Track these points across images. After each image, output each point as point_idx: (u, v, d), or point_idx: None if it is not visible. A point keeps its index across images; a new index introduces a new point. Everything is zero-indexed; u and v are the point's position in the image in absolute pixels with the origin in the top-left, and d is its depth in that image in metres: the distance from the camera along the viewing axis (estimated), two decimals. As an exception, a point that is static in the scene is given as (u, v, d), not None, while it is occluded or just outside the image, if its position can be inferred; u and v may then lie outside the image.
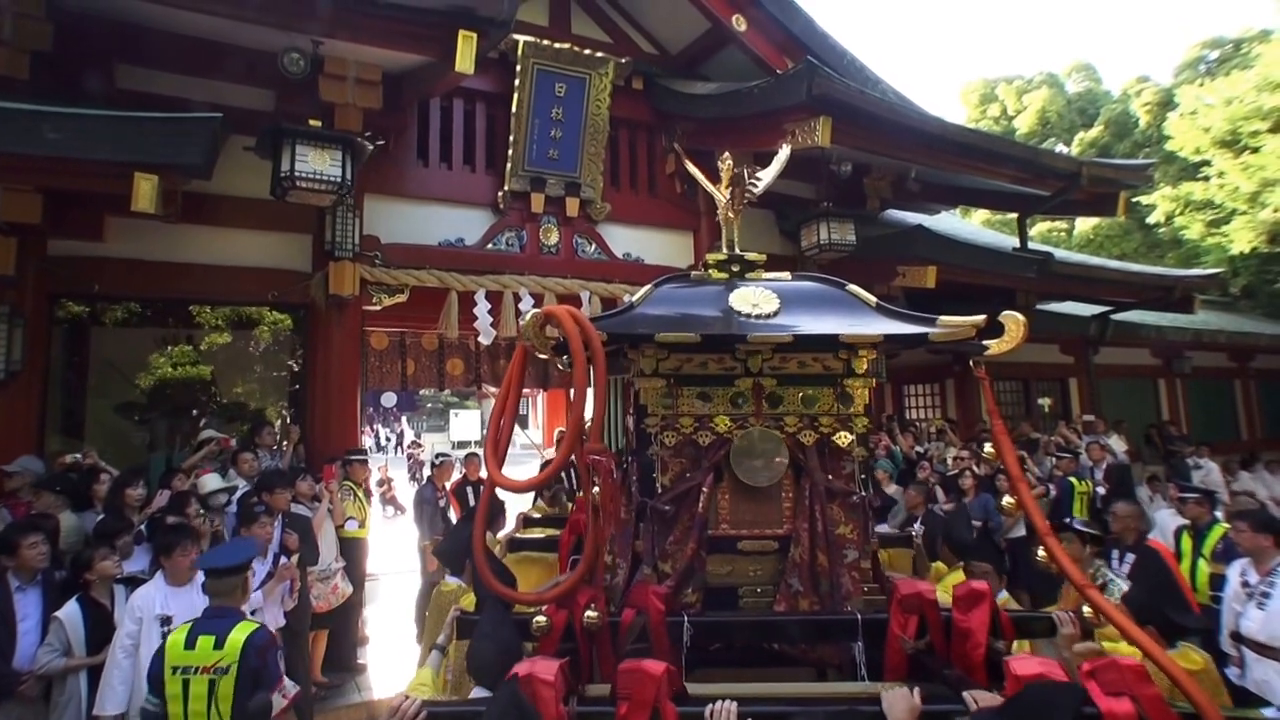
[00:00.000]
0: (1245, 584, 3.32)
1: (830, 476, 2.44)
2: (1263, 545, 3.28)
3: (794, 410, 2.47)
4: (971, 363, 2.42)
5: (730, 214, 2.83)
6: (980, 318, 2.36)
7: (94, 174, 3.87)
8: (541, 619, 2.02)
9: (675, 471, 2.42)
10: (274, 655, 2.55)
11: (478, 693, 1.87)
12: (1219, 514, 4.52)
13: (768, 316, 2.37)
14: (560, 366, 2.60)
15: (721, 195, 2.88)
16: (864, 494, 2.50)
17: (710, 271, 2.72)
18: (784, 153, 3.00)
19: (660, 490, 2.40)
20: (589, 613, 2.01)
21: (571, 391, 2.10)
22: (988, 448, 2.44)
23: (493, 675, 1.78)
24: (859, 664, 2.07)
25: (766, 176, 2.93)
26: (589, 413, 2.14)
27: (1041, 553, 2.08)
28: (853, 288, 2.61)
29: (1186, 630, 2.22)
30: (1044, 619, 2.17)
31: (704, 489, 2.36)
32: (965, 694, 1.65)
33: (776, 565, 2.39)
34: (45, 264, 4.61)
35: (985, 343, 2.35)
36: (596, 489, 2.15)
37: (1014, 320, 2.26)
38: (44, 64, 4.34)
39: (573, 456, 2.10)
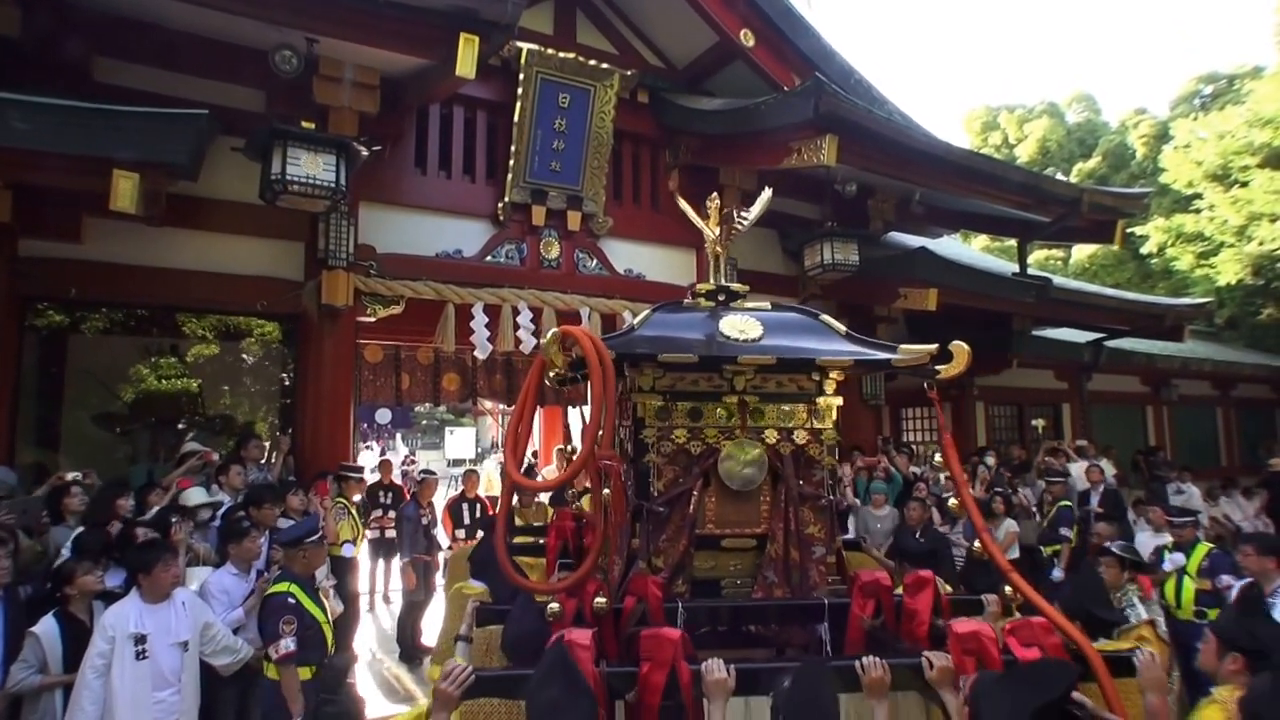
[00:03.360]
0: None
1: (802, 482, 2.75)
2: (1268, 568, 3.41)
3: (773, 424, 2.78)
4: (925, 385, 2.76)
5: (718, 248, 3.11)
6: (933, 346, 2.68)
7: (68, 169, 3.66)
8: (554, 605, 2.27)
9: (669, 477, 2.68)
10: (276, 617, 3.07)
11: None
12: (1198, 534, 4.81)
13: (753, 341, 2.67)
14: (552, 384, 2.91)
15: (710, 231, 3.13)
16: (831, 498, 2.84)
17: (700, 300, 3.02)
18: (766, 194, 3.21)
19: (655, 494, 2.66)
20: (598, 599, 2.26)
21: (582, 408, 2.36)
22: (937, 458, 2.61)
23: (526, 653, 2.05)
24: (825, 642, 2.41)
25: (752, 214, 3.17)
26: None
27: (977, 545, 2.53)
28: (825, 318, 2.93)
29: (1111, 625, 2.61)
30: (974, 601, 2.56)
31: (694, 492, 2.65)
32: (925, 654, 2.01)
33: (754, 560, 2.71)
34: (16, 265, 4.37)
35: (937, 368, 2.66)
36: (606, 491, 2.39)
37: (960, 349, 2.58)
38: (11, 52, 4.10)
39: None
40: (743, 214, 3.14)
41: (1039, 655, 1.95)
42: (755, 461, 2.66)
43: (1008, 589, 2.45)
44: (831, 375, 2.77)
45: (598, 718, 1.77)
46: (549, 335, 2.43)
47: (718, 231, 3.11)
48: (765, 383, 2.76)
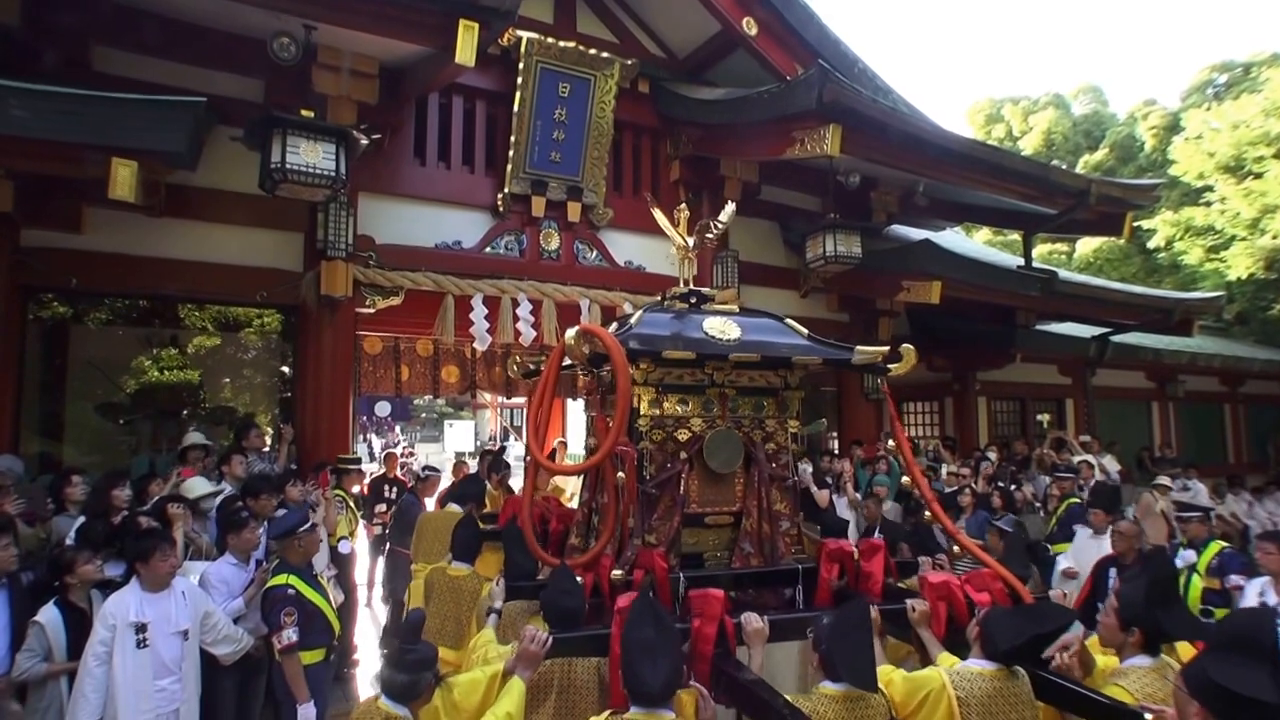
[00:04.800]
0: (1263, 604, 3.44)
1: (772, 465, 3.06)
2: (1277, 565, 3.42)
3: (747, 414, 3.11)
4: (879, 381, 3.11)
5: (690, 255, 3.38)
6: (884, 347, 3.08)
7: (67, 157, 3.66)
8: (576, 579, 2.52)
9: (659, 462, 2.92)
10: (278, 609, 3.14)
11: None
12: (1209, 531, 4.75)
13: (734, 340, 2.94)
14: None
15: (679, 239, 3.36)
16: (795, 478, 3.22)
17: (675, 303, 3.21)
18: (730, 208, 3.50)
19: (648, 477, 2.89)
20: (615, 571, 2.57)
21: (596, 398, 2.84)
22: (890, 443, 3.06)
23: (570, 621, 2.30)
24: (798, 601, 2.79)
25: (722, 223, 3.44)
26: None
27: (928, 514, 3.01)
28: (789, 321, 3.24)
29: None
30: (914, 563, 3.16)
31: (682, 475, 2.91)
32: (909, 601, 2.48)
33: (730, 535, 3.03)
34: (17, 254, 4.38)
35: (889, 366, 3.02)
36: (621, 474, 2.68)
37: (908, 351, 3.00)
38: (10, 40, 4.10)
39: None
40: (716, 223, 3.39)
41: (989, 599, 2.45)
42: (733, 447, 2.99)
43: (954, 548, 2.99)
44: (796, 371, 3.13)
45: (683, 650, 2.06)
46: (574, 331, 2.63)
47: (691, 240, 3.35)
48: (740, 377, 3.06)
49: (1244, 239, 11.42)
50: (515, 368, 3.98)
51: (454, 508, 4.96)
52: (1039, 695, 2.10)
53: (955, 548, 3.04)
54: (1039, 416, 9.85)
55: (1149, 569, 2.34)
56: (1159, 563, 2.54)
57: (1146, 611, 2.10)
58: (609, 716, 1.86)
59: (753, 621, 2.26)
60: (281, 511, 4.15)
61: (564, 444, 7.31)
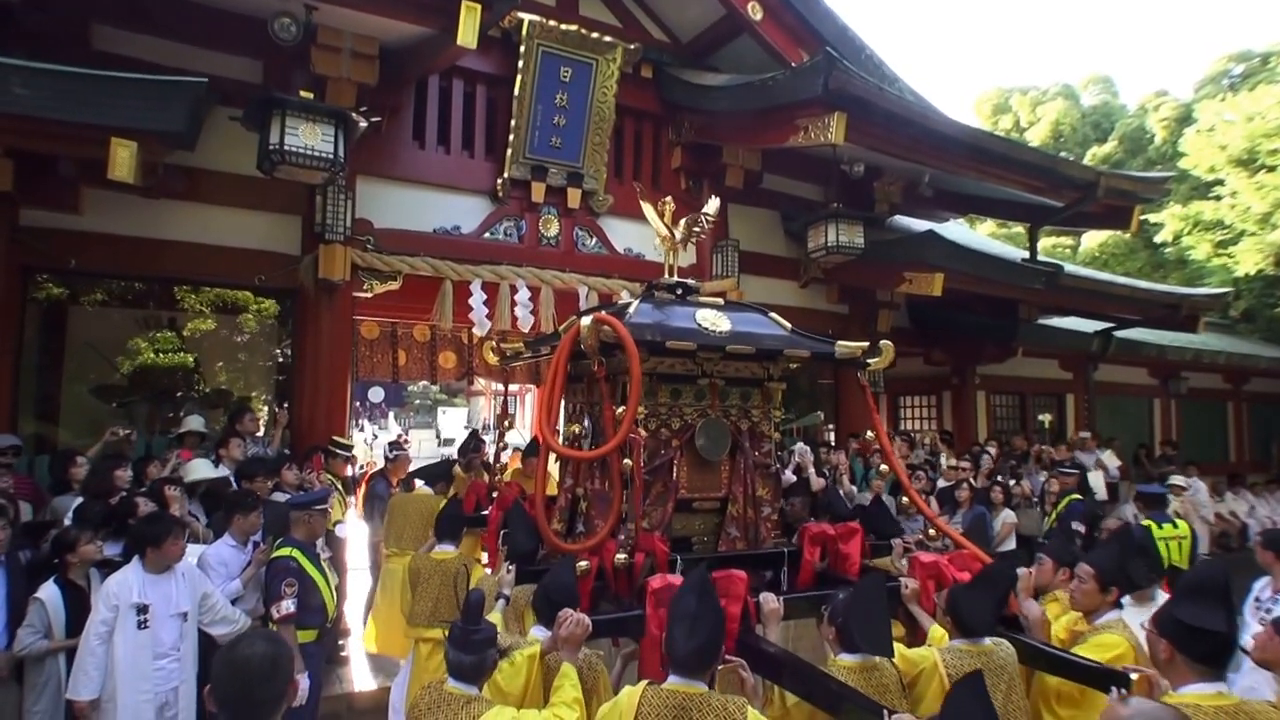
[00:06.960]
0: (1257, 600, 3.50)
1: (755, 453, 3.16)
2: (1267, 561, 3.49)
3: (734, 404, 3.20)
4: (858, 374, 3.26)
5: (676, 247, 3.41)
6: (865, 343, 3.16)
7: (67, 137, 3.64)
8: (583, 563, 2.64)
9: (653, 449, 2.97)
10: (279, 579, 3.22)
11: (538, 630, 2.41)
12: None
13: (725, 333, 3.00)
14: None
15: (663, 229, 3.38)
16: (777, 466, 3.35)
17: (661, 294, 3.23)
18: (714, 202, 3.54)
19: (642, 464, 2.92)
20: (619, 555, 2.68)
21: (585, 385, 2.99)
22: (868, 434, 3.15)
23: (558, 609, 2.34)
24: (782, 581, 2.89)
25: (708, 216, 3.48)
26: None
27: (905, 499, 3.28)
28: (773, 315, 3.31)
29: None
30: (887, 545, 3.31)
31: (674, 462, 2.99)
32: (903, 579, 2.71)
33: (716, 520, 3.13)
34: (16, 234, 4.37)
35: (868, 360, 3.12)
36: (627, 461, 2.75)
37: (887, 346, 3.12)
38: (9, 18, 4.06)
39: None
40: (704, 216, 3.41)
41: (969, 576, 2.60)
42: (722, 435, 3.08)
43: (930, 531, 3.25)
44: (779, 363, 3.20)
45: (725, 620, 2.19)
46: (588, 322, 2.72)
47: (679, 234, 3.37)
48: (727, 368, 3.13)
49: (1254, 234, 11.28)
50: (492, 353, 3.99)
51: (422, 488, 5.00)
52: (1025, 661, 2.30)
53: (930, 530, 3.27)
54: (1040, 416, 9.81)
55: (1117, 540, 2.82)
56: (1124, 534, 3.00)
57: (1121, 571, 2.57)
58: (646, 687, 1.90)
59: (770, 601, 2.44)
60: (278, 495, 4.20)
61: (558, 432, 7.29)
